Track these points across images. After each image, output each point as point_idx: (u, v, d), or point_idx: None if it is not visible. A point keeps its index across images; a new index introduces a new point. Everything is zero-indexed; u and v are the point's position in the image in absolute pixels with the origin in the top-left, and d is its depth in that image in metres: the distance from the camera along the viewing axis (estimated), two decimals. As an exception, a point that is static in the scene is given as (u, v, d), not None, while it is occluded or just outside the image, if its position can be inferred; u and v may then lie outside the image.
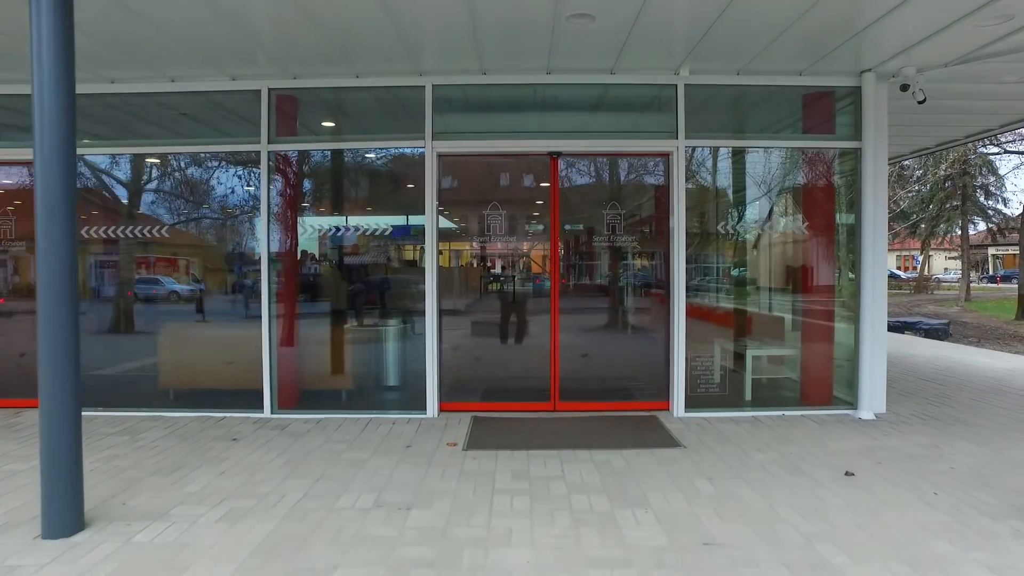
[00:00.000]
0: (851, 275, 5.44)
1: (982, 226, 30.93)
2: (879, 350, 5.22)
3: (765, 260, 6.50)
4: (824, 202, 5.59)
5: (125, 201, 5.83)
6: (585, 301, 6.61)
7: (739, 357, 5.77)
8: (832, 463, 3.94)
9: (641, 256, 6.37)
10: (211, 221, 6.13)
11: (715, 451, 4.21)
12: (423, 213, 5.20)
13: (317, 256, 6.00)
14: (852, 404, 5.29)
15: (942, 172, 25.46)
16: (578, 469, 3.87)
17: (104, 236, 5.52)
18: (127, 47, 4.47)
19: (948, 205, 27.56)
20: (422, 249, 5.33)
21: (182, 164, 5.85)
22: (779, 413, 5.22)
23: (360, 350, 5.99)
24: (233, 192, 5.79)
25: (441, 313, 5.41)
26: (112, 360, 5.93)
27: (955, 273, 40.94)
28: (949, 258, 43.92)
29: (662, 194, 5.72)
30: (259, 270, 5.29)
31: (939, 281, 37.06)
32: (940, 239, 31.48)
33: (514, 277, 6.56)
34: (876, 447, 4.27)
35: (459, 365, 5.94)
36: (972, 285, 28.40)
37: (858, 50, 4.70)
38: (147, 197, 5.86)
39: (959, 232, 28.73)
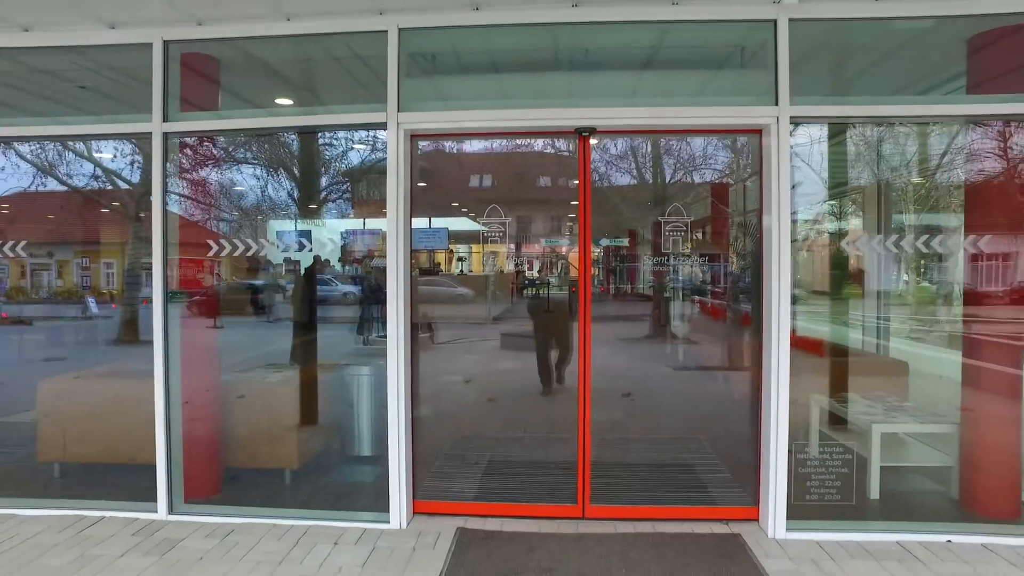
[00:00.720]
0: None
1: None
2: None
3: (894, 278, 4.57)
4: (1004, 197, 3.63)
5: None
6: (627, 327, 4.83)
7: (843, 421, 3.91)
8: None
9: (710, 274, 4.54)
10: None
11: (868, 650, 2.36)
12: (396, 215, 3.48)
13: (250, 271, 4.39)
14: (1056, 520, 3.34)
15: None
16: None
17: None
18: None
19: None
20: (391, 257, 3.62)
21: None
22: (942, 538, 3.29)
23: (316, 401, 4.35)
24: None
25: (416, 363, 3.70)
26: None
27: None
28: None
29: (741, 187, 3.91)
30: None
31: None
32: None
33: (528, 297, 4.81)
34: None
35: (444, 418, 4.24)
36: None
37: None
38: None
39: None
